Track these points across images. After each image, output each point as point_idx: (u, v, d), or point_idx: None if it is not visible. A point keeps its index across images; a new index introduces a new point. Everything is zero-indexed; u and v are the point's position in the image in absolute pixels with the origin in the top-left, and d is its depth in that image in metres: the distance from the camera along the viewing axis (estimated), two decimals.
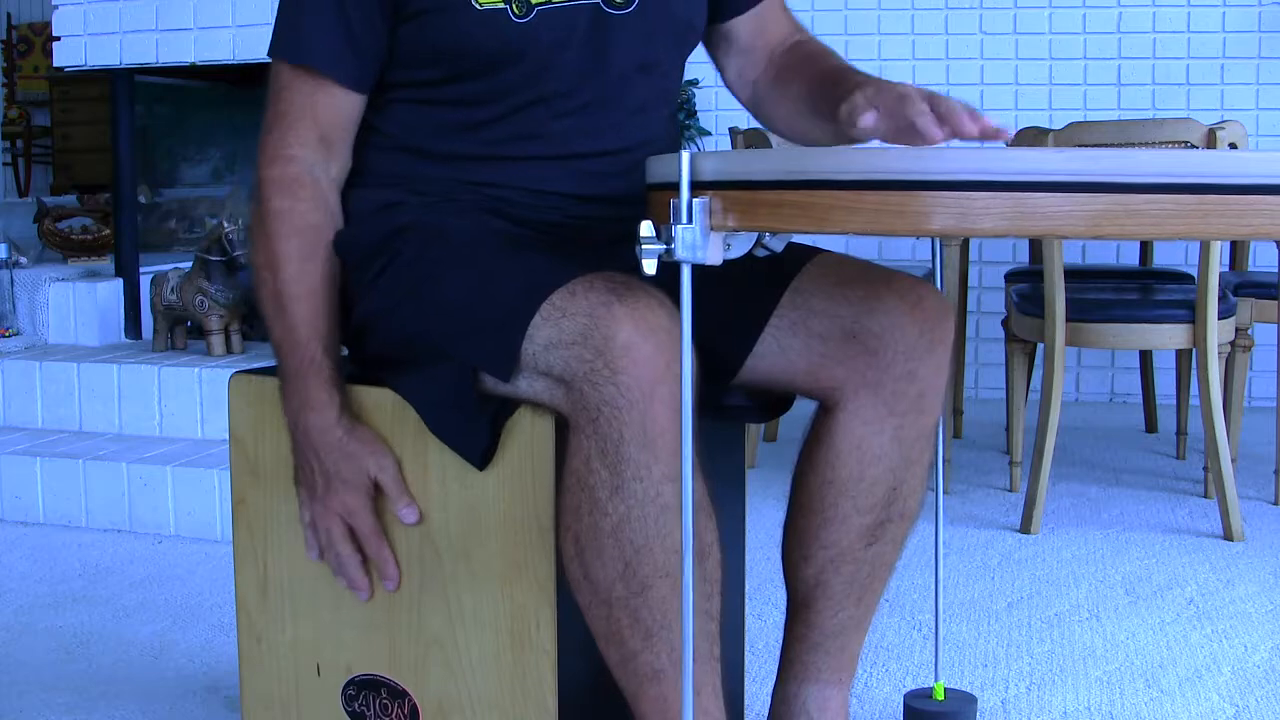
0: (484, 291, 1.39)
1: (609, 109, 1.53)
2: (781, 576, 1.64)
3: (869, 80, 1.45)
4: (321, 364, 1.45)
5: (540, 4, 1.46)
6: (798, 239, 1.47)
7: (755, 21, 1.68)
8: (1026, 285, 3.26)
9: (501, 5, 1.44)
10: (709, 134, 4.73)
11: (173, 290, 3.39)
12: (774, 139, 3.44)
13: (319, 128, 1.48)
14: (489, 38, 1.45)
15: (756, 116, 1.72)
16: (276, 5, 1.51)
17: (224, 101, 4.45)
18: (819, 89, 1.56)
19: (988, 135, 1.32)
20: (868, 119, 1.37)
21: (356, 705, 1.53)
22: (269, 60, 1.51)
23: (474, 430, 1.41)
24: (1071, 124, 2.93)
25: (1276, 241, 3.43)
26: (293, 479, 1.51)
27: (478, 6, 1.44)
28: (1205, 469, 3.24)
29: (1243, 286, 3.41)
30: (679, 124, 1.72)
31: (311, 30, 1.47)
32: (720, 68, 1.72)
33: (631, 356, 1.26)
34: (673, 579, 1.30)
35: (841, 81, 1.50)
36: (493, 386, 1.39)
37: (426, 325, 1.43)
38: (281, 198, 1.46)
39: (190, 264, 3.42)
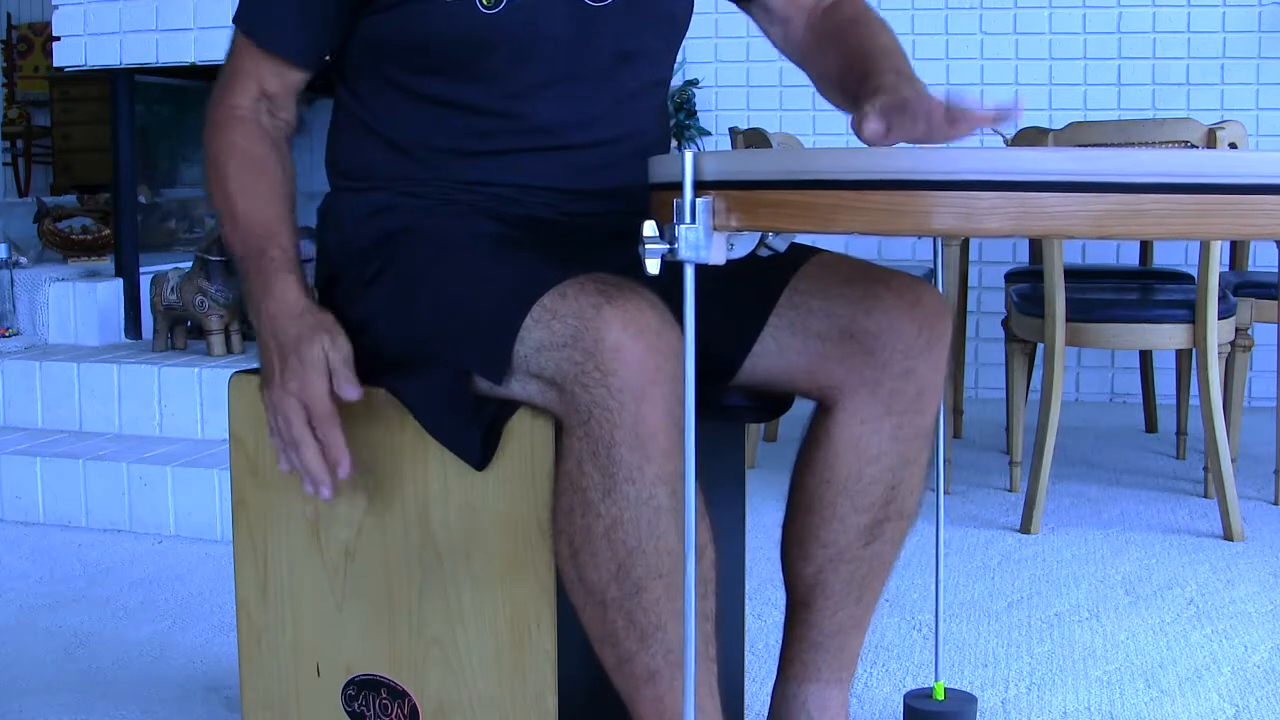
0: (475, 294, 1.39)
1: (593, 99, 1.53)
2: (781, 576, 1.64)
3: (888, 83, 1.43)
4: (273, 255, 1.47)
5: None
6: (800, 239, 1.47)
7: None
8: (1026, 285, 3.26)
9: None
10: (709, 134, 4.73)
11: (173, 290, 3.39)
12: (774, 139, 3.44)
13: (260, 88, 1.54)
14: (458, 29, 1.46)
15: (811, 81, 1.70)
16: None
17: None
18: (848, 71, 1.55)
19: (1001, 117, 1.31)
20: (871, 128, 1.37)
21: (356, 705, 1.53)
22: None
23: (470, 432, 1.41)
24: (1071, 124, 2.93)
25: (1277, 241, 3.43)
26: (258, 385, 1.50)
27: None
28: (1205, 469, 3.24)
29: (1243, 286, 3.41)
30: (669, 116, 1.71)
31: (265, 3, 1.54)
32: (766, 36, 1.72)
33: (621, 358, 1.26)
34: (666, 580, 1.30)
35: (868, 74, 1.48)
36: (487, 389, 1.39)
37: (420, 329, 1.43)
38: (221, 134, 1.52)
39: (190, 264, 3.42)
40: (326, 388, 1.42)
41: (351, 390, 1.42)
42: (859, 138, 1.40)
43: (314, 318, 1.44)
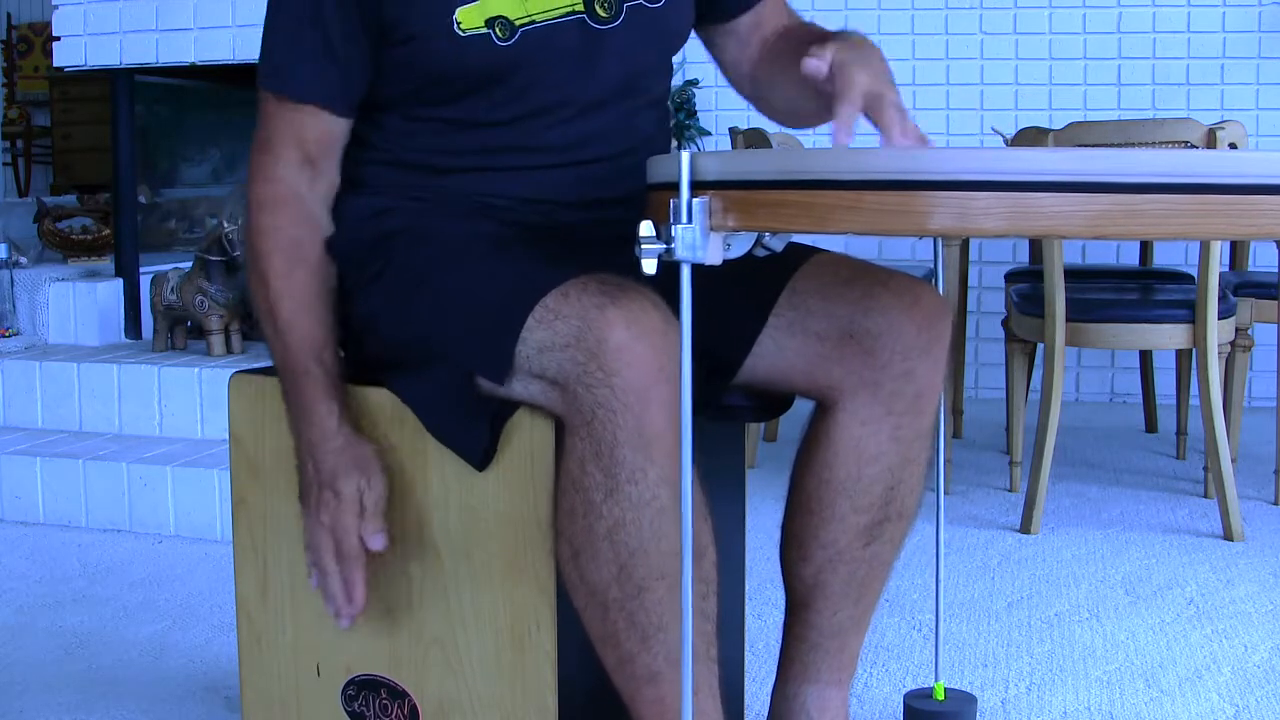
0: (477, 294, 1.39)
1: (600, 116, 1.53)
2: (781, 576, 1.64)
3: (839, 42, 1.43)
4: (315, 375, 1.45)
5: (524, 25, 1.46)
6: (797, 239, 1.47)
7: (754, 17, 1.68)
8: (1026, 285, 3.26)
9: (484, 30, 1.44)
10: (709, 134, 4.73)
11: (173, 290, 3.39)
12: (774, 139, 3.44)
13: (303, 150, 1.49)
14: (473, 63, 1.45)
15: (759, 108, 1.70)
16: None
17: (224, 101, 4.45)
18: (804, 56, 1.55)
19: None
20: (811, 64, 1.35)
21: (356, 705, 1.53)
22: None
23: (472, 432, 1.41)
24: (1071, 124, 2.93)
25: (1276, 241, 3.43)
26: (297, 494, 1.50)
27: (460, 33, 1.44)
28: (1205, 469, 3.24)
29: (1243, 286, 3.41)
30: (669, 122, 1.71)
31: (294, 59, 1.48)
32: (718, 62, 1.72)
33: (625, 359, 1.26)
34: (668, 581, 1.30)
35: (819, 42, 1.48)
36: (488, 389, 1.39)
37: (421, 329, 1.43)
38: (264, 214, 1.48)
39: (190, 264, 3.42)
40: (357, 526, 1.43)
41: (378, 541, 1.43)
42: (808, 79, 1.39)
43: (352, 452, 1.44)
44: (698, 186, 1.16)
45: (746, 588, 1.88)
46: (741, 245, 1.24)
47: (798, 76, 1.53)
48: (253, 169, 1.50)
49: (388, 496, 1.44)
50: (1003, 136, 3.81)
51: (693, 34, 1.70)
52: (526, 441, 1.40)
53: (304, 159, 1.49)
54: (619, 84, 1.54)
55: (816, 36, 1.55)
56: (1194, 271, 3.17)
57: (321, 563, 1.45)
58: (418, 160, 1.52)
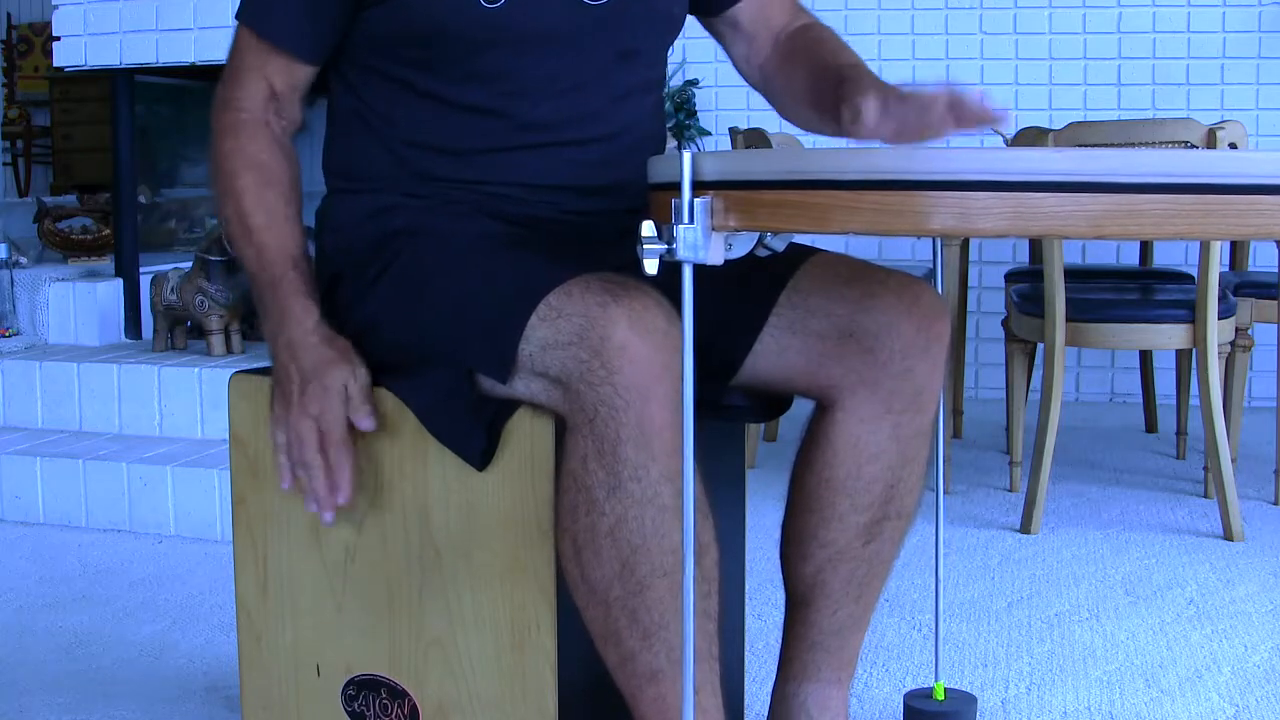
0: (480, 294, 1.39)
1: (590, 96, 1.53)
2: (781, 576, 1.64)
3: (869, 81, 1.45)
4: (293, 278, 1.47)
5: None
6: (798, 239, 1.47)
7: (756, 7, 1.68)
8: (1026, 285, 3.27)
9: None
10: (709, 134, 4.73)
11: (173, 290, 3.39)
12: (774, 139, 3.44)
13: (269, 86, 1.53)
14: (459, 22, 1.45)
15: (768, 100, 1.72)
16: None
17: None
18: (820, 82, 1.56)
19: (999, 118, 1.33)
20: (870, 113, 1.37)
21: (356, 705, 1.53)
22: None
23: (472, 432, 1.41)
24: (1072, 124, 2.93)
25: (1277, 241, 3.43)
26: (268, 404, 1.50)
27: None
28: (1205, 469, 3.24)
29: (1243, 286, 3.41)
30: (665, 113, 1.72)
31: (276, 2, 1.52)
32: (728, 54, 1.73)
33: (628, 356, 1.26)
34: (670, 579, 1.31)
35: (847, 80, 1.49)
36: (490, 388, 1.39)
37: (423, 329, 1.43)
38: (230, 139, 1.51)
39: (190, 264, 3.42)
40: (345, 414, 1.44)
41: (367, 421, 1.45)
42: (851, 126, 1.40)
43: (335, 346, 1.46)
44: (699, 186, 1.16)
45: (747, 587, 1.88)
46: (743, 245, 1.24)
47: (810, 94, 1.57)
48: (219, 98, 1.53)
49: (370, 384, 1.46)
50: (1003, 137, 3.81)
51: (692, 34, 1.70)
52: (526, 441, 1.40)
53: (270, 94, 1.53)
54: (609, 62, 1.53)
55: (836, 65, 1.56)
56: (1194, 271, 3.17)
57: (305, 457, 1.45)
58: (411, 141, 1.52)
